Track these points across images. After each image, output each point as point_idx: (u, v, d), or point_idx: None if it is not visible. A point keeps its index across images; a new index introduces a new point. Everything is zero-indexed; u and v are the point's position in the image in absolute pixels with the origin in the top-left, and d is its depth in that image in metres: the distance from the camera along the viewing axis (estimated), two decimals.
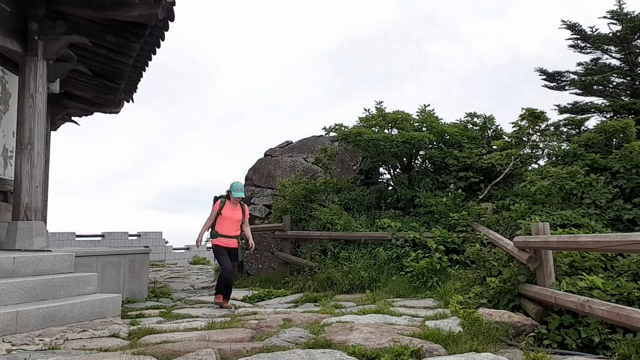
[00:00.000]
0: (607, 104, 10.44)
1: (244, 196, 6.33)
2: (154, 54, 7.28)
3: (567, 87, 11.97)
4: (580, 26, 11.33)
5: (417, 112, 9.52)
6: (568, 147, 8.13)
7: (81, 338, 3.96)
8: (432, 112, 9.49)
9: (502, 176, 8.11)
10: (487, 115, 9.44)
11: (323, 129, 9.09)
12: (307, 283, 7.39)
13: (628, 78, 10.88)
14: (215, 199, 6.38)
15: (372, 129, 8.90)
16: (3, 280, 4.36)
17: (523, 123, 8.61)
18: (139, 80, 8.52)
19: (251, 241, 6.41)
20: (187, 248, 22.17)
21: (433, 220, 7.73)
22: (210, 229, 6.22)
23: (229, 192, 6.25)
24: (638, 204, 6.77)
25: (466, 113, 9.55)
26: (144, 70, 8.01)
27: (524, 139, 8.71)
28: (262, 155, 11.27)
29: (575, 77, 11.66)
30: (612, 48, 11.15)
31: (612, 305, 3.45)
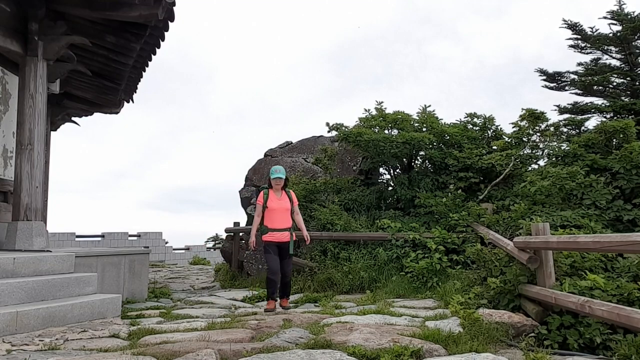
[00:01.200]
0: (607, 104, 10.44)
1: (283, 177, 5.57)
2: (154, 54, 7.28)
3: (567, 88, 11.97)
4: (581, 26, 11.33)
5: (417, 112, 9.53)
6: (568, 148, 8.12)
7: (81, 338, 3.96)
8: (432, 113, 9.50)
9: (502, 176, 8.11)
10: (487, 116, 9.44)
11: (326, 124, 9.11)
12: (307, 283, 7.39)
13: (628, 78, 10.88)
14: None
15: (373, 129, 8.90)
16: (3, 280, 4.36)
17: (523, 123, 8.60)
18: (139, 81, 8.52)
19: (305, 233, 5.76)
20: (187, 248, 22.18)
21: (433, 221, 7.72)
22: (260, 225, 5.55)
23: (269, 180, 5.63)
24: (638, 205, 6.76)
25: (466, 113, 9.57)
26: (144, 71, 8.01)
27: (524, 139, 8.70)
28: (262, 156, 11.28)
29: (576, 77, 11.66)
30: (612, 48, 11.15)
31: (612, 306, 3.45)
